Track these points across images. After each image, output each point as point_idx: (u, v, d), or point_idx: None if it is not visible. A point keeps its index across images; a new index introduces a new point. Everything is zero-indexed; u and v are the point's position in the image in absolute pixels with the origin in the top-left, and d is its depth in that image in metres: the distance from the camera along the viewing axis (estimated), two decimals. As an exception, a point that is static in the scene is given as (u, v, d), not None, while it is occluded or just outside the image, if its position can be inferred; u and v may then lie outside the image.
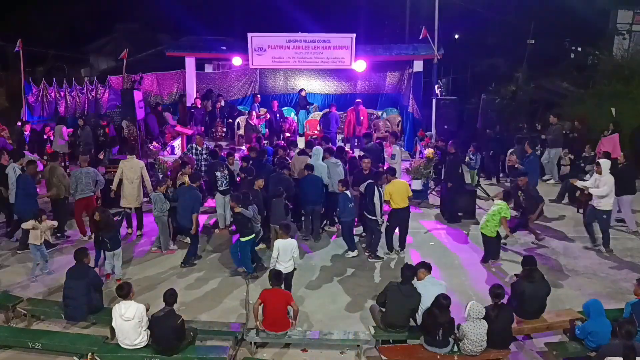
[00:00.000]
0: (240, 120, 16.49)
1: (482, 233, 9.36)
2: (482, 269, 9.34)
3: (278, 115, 16.14)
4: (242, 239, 8.82)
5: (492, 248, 9.45)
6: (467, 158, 12.86)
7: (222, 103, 16.72)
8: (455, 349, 6.56)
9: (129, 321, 6.54)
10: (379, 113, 17.04)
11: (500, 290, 6.78)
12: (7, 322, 7.58)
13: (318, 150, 11.02)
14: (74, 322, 7.51)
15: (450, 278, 8.82)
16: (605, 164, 9.95)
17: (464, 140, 13.55)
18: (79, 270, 7.43)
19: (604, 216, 9.77)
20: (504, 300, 6.93)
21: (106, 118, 15.46)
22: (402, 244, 9.98)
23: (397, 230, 9.93)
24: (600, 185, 9.73)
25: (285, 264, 7.89)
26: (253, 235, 8.93)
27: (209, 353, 6.73)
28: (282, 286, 7.21)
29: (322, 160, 10.77)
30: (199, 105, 15.81)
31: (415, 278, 7.08)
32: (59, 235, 10.27)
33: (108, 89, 16.85)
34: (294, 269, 8.07)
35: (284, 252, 7.88)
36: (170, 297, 6.70)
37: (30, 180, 9.76)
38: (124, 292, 6.75)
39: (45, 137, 14.42)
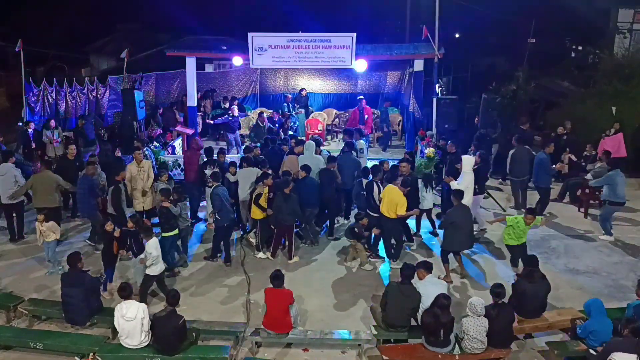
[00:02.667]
0: (242, 120, 16.51)
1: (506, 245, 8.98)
2: (483, 268, 9.34)
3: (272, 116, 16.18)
4: (163, 234, 8.74)
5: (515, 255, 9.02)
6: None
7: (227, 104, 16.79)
8: (457, 348, 6.57)
9: (131, 321, 6.56)
10: (379, 112, 17.03)
11: (500, 289, 6.78)
12: (8, 323, 7.59)
13: (310, 144, 10.96)
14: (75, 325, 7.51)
15: (451, 277, 8.83)
16: (466, 160, 9.90)
17: (464, 140, 13.52)
18: (74, 277, 7.40)
19: None
20: (505, 300, 6.93)
21: (85, 117, 15.40)
22: (395, 254, 9.44)
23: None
24: (459, 180, 9.71)
25: (160, 265, 7.99)
26: (176, 231, 8.80)
27: (210, 353, 6.76)
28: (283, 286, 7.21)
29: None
30: (235, 114, 15.47)
31: (415, 277, 7.10)
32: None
33: (108, 89, 16.86)
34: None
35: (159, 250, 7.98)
36: (173, 298, 6.73)
37: (91, 181, 9.80)
38: (126, 292, 6.78)
39: (45, 138, 14.40)
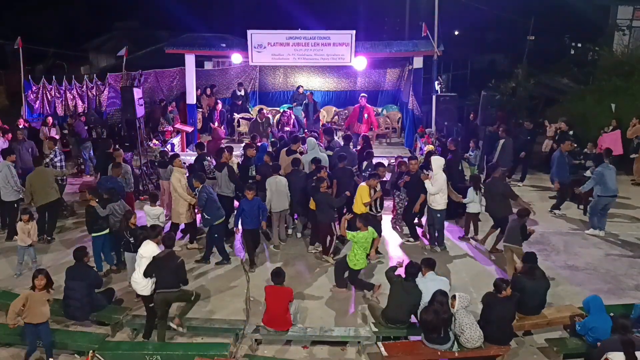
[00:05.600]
0: (240, 117, 16.52)
1: None
2: (482, 265, 9.35)
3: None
4: (94, 235, 8.66)
5: None
6: (467, 155, 12.85)
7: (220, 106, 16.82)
8: (456, 345, 6.57)
9: (143, 259, 7.09)
10: (379, 110, 17.04)
11: (505, 283, 6.71)
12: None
13: (311, 141, 10.93)
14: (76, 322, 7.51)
15: (450, 274, 8.84)
16: (436, 161, 9.75)
17: (463, 137, 13.54)
18: (79, 271, 7.39)
19: (438, 215, 9.65)
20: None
21: (77, 116, 15.31)
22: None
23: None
24: (432, 182, 9.60)
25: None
26: (106, 230, 8.65)
27: (209, 350, 6.75)
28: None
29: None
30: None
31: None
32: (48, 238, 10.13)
33: (107, 86, 16.86)
34: None
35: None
36: (169, 240, 7.35)
37: (118, 182, 9.77)
38: (157, 231, 7.45)
39: (42, 135, 14.38)
